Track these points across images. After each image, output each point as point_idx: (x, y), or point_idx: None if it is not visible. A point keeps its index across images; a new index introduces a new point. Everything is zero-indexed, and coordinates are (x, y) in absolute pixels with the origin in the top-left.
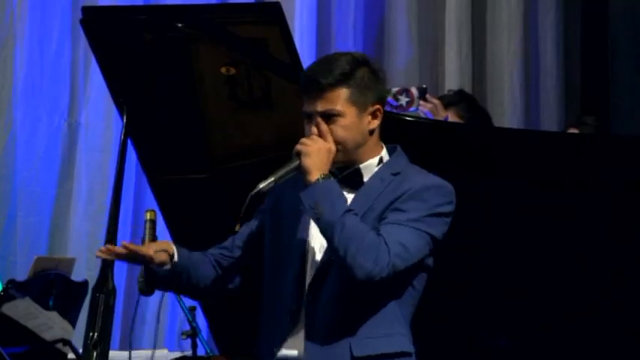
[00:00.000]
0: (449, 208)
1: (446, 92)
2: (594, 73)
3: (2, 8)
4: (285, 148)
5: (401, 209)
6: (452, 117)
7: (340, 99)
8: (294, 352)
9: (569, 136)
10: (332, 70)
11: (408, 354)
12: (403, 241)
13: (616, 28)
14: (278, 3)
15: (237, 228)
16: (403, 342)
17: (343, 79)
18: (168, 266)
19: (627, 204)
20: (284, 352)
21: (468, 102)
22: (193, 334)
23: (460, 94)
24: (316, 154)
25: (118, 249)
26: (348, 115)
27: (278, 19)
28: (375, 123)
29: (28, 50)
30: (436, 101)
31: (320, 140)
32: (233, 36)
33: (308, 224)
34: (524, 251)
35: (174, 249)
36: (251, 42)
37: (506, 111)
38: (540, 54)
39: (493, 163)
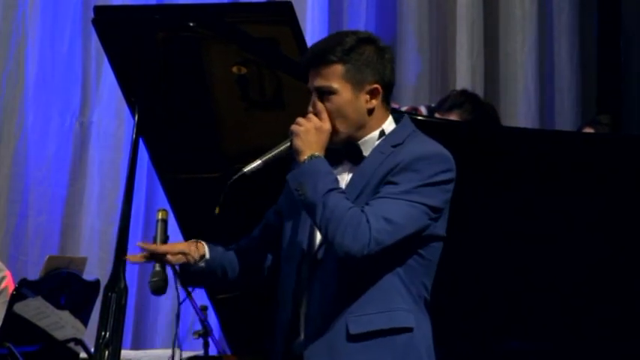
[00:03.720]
0: (447, 176)
1: (449, 93)
2: (610, 73)
3: (14, 8)
4: None
5: (393, 182)
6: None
7: (335, 75)
8: (300, 337)
9: (584, 136)
10: (330, 47)
11: (407, 329)
12: (388, 216)
13: (629, 28)
14: (290, 2)
15: (216, 211)
16: (404, 317)
17: (339, 56)
18: (202, 264)
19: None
20: (294, 340)
21: (472, 102)
22: (205, 333)
23: (463, 94)
24: (307, 133)
25: (149, 248)
26: (343, 92)
27: (290, 19)
28: (373, 103)
29: (39, 50)
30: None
31: (314, 119)
32: (245, 35)
33: None
34: (533, 252)
35: (205, 247)
36: (263, 41)
37: (519, 111)
38: (554, 53)
39: (499, 162)
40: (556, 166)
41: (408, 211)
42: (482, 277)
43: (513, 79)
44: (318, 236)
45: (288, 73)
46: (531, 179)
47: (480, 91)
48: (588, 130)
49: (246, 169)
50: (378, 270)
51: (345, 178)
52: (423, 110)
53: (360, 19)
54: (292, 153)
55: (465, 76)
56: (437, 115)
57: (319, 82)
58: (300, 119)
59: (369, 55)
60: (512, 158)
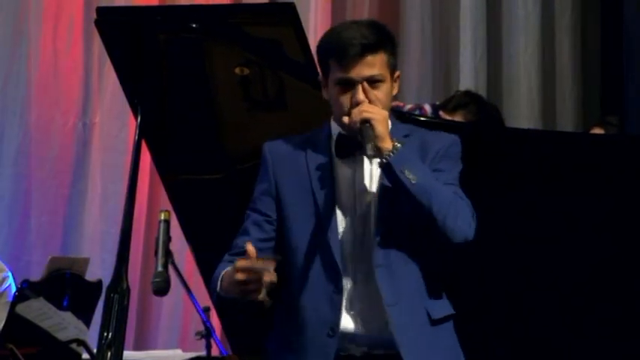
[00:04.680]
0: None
1: (454, 93)
2: (613, 74)
3: (16, 9)
4: None
5: (440, 169)
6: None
7: (383, 64)
8: (359, 327)
9: (587, 137)
10: (371, 35)
11: (451, 316)
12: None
13: (631, 29)
14: (292, 3)
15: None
16: (448, 305)
17: (381, 43)
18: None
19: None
20: (345, 329)
21: (477, 103)
22: (207, 334)
23: (468, 95)
24: (385, 121)
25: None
26: (387, 80)
27: (292, 20)
28: (396, 89)
29: (42, 50)
30: (448, 118)
31: (377, 107)
32: (247, 36)
33: (330, 199)
34: (537, 253)
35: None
36: (265, 42)
37: (522, 112)
38: (557, 55)
39: (503, 163)
40: (559, 167)
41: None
42: (485, 277)
43: (516, 80)
44: (367, 226)
45: (290, 74)
46: (535, 180)
47: (483, 92)
48: (598, 130)
49: (369, 152)
50: (435, 256)
51: (365, 168)
52: (428, 108)
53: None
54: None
55: (469, 77)
56: (441, 115)
57: (370, 72)
58: (367, 107)
59: (392, 40)
60: (516, 159)
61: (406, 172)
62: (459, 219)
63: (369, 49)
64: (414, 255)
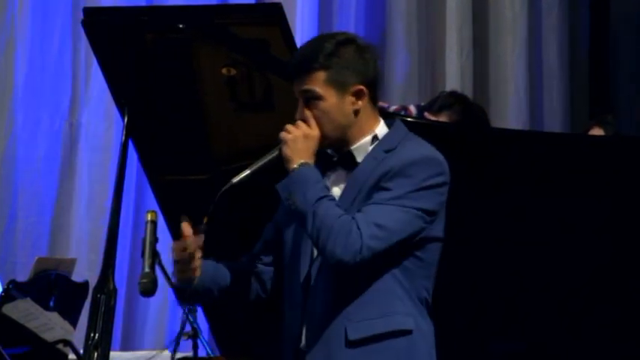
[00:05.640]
0: (439, 180)
1: (439, 94)
2: (600, 73)
3: (3, 9)
4: None
5: (386, 188)
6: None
7: (318, 81)
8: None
9: (575, 137)
10: (311, 53)
11: (407, 332)
12: (380, 221)
13: (617, 27)
14: (279, 3)
15: (204, 221)
16: (402, 320)
17: (321, 61)
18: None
19: (631, 205)
20: (301, 346)
21: (462, 103)
22: (194, 335)
23: (453, 96)
24: (295, 141)
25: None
26: (327, 97)
27: (279, 20)
28: (360, 104)
29: (29, 51)
30: (433, 119)
31: (303, 126)
32: (234, 37)
33: None
34: (526, 255)
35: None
36: (252, 43)
37: (510, 111)
38: (544, 54)
39: (490, 164)
40: (547, 168)
41: (400, 216)
42: (475, 280)
43: (503, 79)
44: None
45: (277, 74)
46: (522, 181)
47: (469, 92)
48: (597, 130)
49: (234, 180)
50: (375, 275)
51: (339, 186)
52: (413, 109)
53: (349, 20)
54: (281, 161)
55: (455, 77)
56: (426, 116)
57: (303, 89)
58: (288, 126)
59: (349, 57)
60: (503, 160)
61: (292, 197)
62: (329, 243)
63: (300, 68)
64: (340, 275)
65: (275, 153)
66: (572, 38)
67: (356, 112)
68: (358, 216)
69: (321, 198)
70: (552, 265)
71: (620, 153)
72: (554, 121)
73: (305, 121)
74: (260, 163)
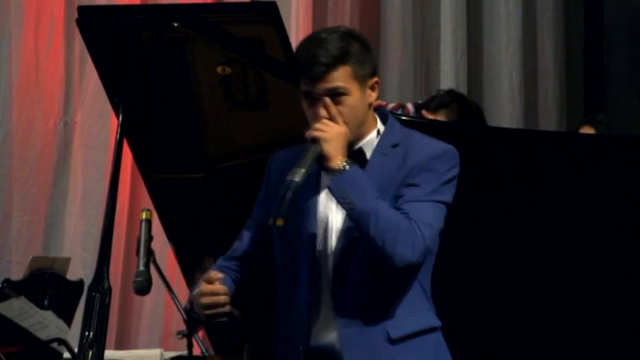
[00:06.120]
0: (456, 171)
1: (436, 92)
2: (595, 72)
3: None
4: (281, 147)
5: (415, 184)
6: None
7: (345, 77)
8: (328, 341)
9: (570, 136)
10: (330, 49)
11: (435, 328)
12: (430, 221)
13: (611, 27)
14: (274, 2)
15: (279, 222)
16: (428, 317)
17: (343, 56)
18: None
19: (628, 204)
20: (316, 343)
21: (460, 102)
22: (189, 333)
23: (450, 94)
24: (335, 139)
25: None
26: (353, 92)
27: (274, 19)
28: (374, 96)
29: (23, 49)
30: (431, 117)
31: (333, 124)
32: (229, 35)
33: (314, 209)
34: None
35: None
36: (247, 41)
37: (504, 111)
38: (539, 53)
39: (487, 162)
40: (542, 166)
41: (436, 212)
42: (471, 276)
43: (498, 79)
44: (331, 236)
45: (272, 73)
46: (518, 179)
47: (464, 91)
48: (588, 129)
49: (297, 179)
50: (408, 272)
51: None
52: (411, 107)
53: (344, 19)
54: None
55: (450, 76)
56: (424, 114)
57: (330, 86)
58: (319, 125)
59: (361, 50)
60: (499, 158)
61: (347, 197)
62: (398, 245)
63: (330, 65)
64: (374, 272)
65: (316, 151)
66: (566, 38)
67: (370, 106)
68: (411, 215)
69: (378, 197)
70: (549, 263)
71: (616, 152)
72: (548, 120)
73: (332, 118)
74: (308, 160)
